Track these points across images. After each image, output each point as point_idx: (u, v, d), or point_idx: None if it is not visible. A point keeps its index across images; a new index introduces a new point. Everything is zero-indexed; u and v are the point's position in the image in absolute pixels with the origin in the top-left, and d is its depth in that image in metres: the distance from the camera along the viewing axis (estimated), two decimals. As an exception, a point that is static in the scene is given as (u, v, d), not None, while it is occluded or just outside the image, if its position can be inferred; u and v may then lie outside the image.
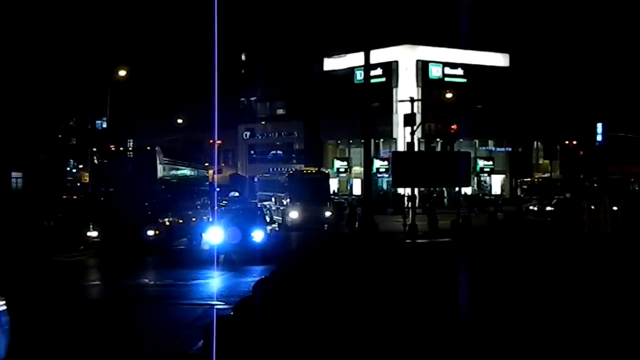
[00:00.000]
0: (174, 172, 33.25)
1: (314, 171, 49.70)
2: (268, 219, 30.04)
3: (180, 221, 31.78)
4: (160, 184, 29.89)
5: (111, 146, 32.82)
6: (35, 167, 49.67)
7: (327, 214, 41.38)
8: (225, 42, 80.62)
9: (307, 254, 15.46)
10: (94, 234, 28.58)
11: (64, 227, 33.57)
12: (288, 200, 43.30)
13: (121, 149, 32.81)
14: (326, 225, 40.19)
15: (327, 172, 51.19)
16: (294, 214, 41.19)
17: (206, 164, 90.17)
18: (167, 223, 30.03)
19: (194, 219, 34.26)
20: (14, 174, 50.24)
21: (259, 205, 38.44)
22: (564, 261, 22.21)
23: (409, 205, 40.80)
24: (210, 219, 34.65)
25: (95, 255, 28.15)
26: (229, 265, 24.68)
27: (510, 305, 14.13)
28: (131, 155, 31.50)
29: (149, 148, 31.07)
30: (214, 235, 27.14)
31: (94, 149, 30.66)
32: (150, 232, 28.52)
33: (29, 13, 47.77)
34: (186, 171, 36.59)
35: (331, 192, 46.00)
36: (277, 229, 30.73)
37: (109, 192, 29.51)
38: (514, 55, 76.70)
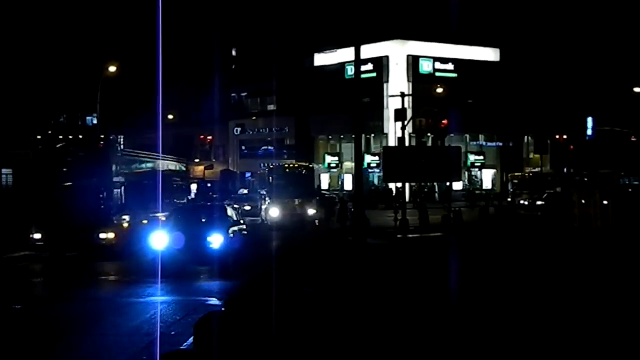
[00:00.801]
0: (138, 165, 29.11)
1: (296, 165, 47.04)
2: (235, 219, 24.75)
3: (145, 222, 27.03)
4: (117, 179, 26.55)
5: (59, 136, 29.17)
6: (25, 164, 49.48)
7: (311, 211, 38.90)
8: (215, 37, 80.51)
9: (280, 269, 13.21)
10: (37, 235, 24.58)
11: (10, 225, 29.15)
12: (268, 197, 41.01)
13: (70, 137, 29.35)
14: (317, 221, 38.49)
15: (311, 166, 47.54)
16: (274, 212, 38.23)
17: (196, 160, 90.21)
18: (126, 225, 26.03)
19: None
20: (3, 171, 50.03)
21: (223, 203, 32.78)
22: (554, 255, 22.27)
23: (399, 200, 40.85)
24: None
25: (35, 260, 24.32)
26: (172, 279, 19.38)
27: (505, 306, 14.15)
28: (82, 146, 27.24)
29: (102, 137, 27.95)
30: (158, 240, 21.54)
31: (38, 137, 27.78)
32: (102, 235, 24.56)
33: (19, 9, 47.57)
34: (156, 165, 32.33)
35: (316, 187, 43.56)
36: (245, 231, 24.70)
37: (57, 188, 25.99)
38: (504, 50, 76.81)
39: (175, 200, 34.60)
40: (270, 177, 42.60)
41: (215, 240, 21.33)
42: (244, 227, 25.13)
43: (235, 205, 30.56)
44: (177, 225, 22.45)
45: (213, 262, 20.87)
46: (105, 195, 25.71)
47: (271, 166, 46.94)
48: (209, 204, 31.93)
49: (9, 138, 47.81)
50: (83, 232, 24.01)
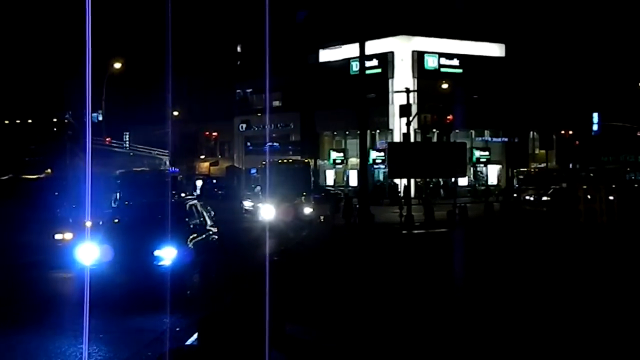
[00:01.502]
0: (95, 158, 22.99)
1: (290, 161, 44.34)
2: (204, 222, 19.63)
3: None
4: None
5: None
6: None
7: (307, 210, 36.23)
8: (220, 33, 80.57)
9: (258, 294, 9.63)
10: None
11: None
12: (260, 195, 38.16)
13: (6, 122, 24.53)
14: (322, 217, 37.14)
15: (307, 161, 43.53)
16: (268, 212, 34.30)
17: (202, 157, 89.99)
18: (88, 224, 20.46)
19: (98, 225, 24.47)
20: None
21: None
22: (559, 250, 22.24)
23: (407, 196, 40.84)
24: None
25: None
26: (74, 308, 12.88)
27: (512, 304, 14.14)
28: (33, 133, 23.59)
29: (55, 121, 23.00)
30: (86, 252, 15.89)
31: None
32: (58, 236, 20.59)
33: (24, 7, 47.65)
34: (121, 158, 27.38)
35: (314, 183, 39.95)
36: (216, 237, 19.65)
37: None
38: (509, 46, 76.66)
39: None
40: (264, 174, 39.87)
41: (167, 253, 15.85)
42: (215, 233, 19.94)
43: (199, 205, 21.31)
44: (113, 233, 17.24)
45: (162, 284, 14.48)
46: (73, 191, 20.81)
47: (263, 163, 43.23)
48: (164, 202, 20.43)
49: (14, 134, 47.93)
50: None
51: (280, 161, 42.52)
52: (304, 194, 37.21)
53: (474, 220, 34.81)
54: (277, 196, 34.92)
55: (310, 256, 20.62)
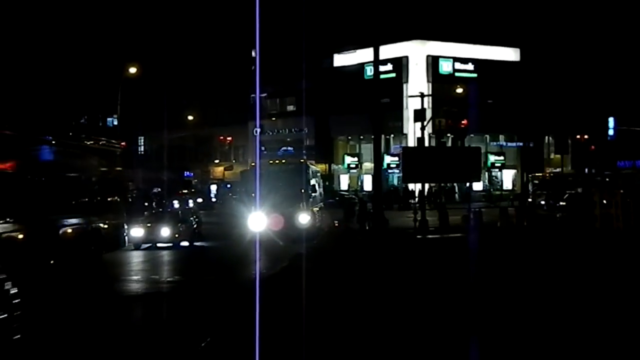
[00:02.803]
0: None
1: (284, 162, 38.35)
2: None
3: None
4: None
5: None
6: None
7: (304, 219, 31.56)
8: (235, 38, 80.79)
9: None
10: None
11: None
12: (249, 201, 33.32)
13: None
14: (336, 222, 34.67)
15: (302, 161, 37.21)
16: (255, 222, 28.55)
17: (216, 161, 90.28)
18: None
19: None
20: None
21: None
22: (575, 256, 22.10)
23: (417, 200, 40.73)
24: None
25: None
26: None
27: (529, 311, 14.05)
28: None
29: None
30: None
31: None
32: None
33: (40, 10, 47.91)
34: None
35: (311, 187, 33.71)
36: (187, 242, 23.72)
37: None
38: (524, 50, 76.47)
39: None
40: (253, 178, 34.94)
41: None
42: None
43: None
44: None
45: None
46: None
47: (252, 164, 38.94)
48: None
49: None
50: None
51: (271, 162, 36.64)
52: (300, 199, 32.15)
53: (489, 226, 34.67)
54: (268, 203, 29.79)
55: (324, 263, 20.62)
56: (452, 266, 19.28)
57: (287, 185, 32.26)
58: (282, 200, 30.60)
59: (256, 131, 29.57)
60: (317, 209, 35.21)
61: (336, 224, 34.98)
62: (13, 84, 44.65)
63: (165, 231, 30.23)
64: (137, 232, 29.59)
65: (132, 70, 45.92)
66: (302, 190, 32.52)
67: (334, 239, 30.02)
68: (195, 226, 33.79)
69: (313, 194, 34.02)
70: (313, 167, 37.99)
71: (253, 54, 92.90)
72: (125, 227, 27.31)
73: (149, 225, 30.72)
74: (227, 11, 77.78)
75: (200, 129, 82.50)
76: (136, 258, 27.57)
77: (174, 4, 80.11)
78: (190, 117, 78.62)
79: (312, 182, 34.32)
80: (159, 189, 61.93)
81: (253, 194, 33.38)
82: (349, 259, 22.07)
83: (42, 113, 49.62)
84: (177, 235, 30.55)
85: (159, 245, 30.27)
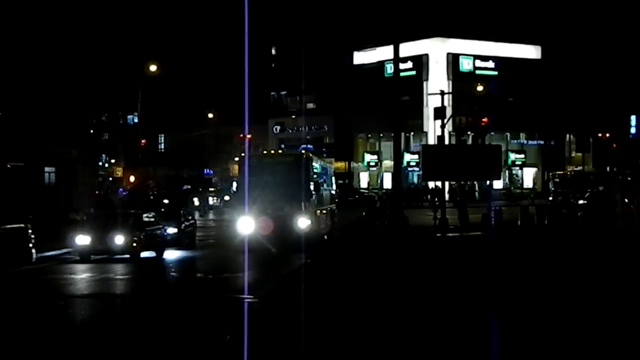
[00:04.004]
0: None
1: (280, 154, 33.71)
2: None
3: None
4: None
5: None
6: (68, 162, 50.18)
7: (304, 223, 26.54)
8: (255, 36, 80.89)
9: None
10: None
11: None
12: (240, 202, 27.72)
13: None
14: (326, 236, 29.91)
15: (302, 154, 30.43)
16: (244, 225, 25.72)
17: (236, 159, 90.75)
18: None
19: None
20: (46, 169, 50.78)
21: None
22: (596, 255, 21.95)
23: (436, 199, 40.55)
24: None
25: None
26: None
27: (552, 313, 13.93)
28: None
29: None
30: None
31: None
32: None
33: (61, 8, 48.21)
34: None
35: (314, 187, 27.98)
36: (154, 253, 22.93)
37: None
38: (546, 47, 76.02)
39: None
40: (244, 173, 28.95)
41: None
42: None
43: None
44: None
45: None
46: None
47: (242, 154, 32.71)
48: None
49: (52, 137, 48.55)
50: None
51: (265, 153, 32.11)
52: (299, 198, 26.81)
53: (509, 224, 34.48)
54: (259, 203, 26.28)
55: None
56: (473, 265, 19.16)
57: (284, 182, 27.52)
58: (276, 200, 26.55)
59: (245, 137, 26.67)
60: (325, 211, 30.08)
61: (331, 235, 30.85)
62: (35, 81, 44.99)
63: (118, 239, 24.00)
64: (82, 239, 24.13)
65: (152, 68, 46.09)
66: (302, 189, 26.77)
67: (344, 245, 26.23)
68: (175, 232, 28.65)
69: (316, 193, 28.14)
70: (319, 161, 32.25)
71: (273, 51, 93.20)
72: (31, 236, 23.05)
73: (98, 231, 24.46)
74: (249, 9, 77.84)
75: (220, 127, 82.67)
76: (54, 275, 21.38)
77: (194, 3, 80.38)
78: (210, 115, 78.76)
79: (316, 178, 28.67)
80: (189, 187, 62.30)
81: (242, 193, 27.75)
82: (360, 271, 17.86)
83: (63, 112, 49.95)
84: (135, 245, 24.17)
85: (115, 256, 24.44)
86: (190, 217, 32.11)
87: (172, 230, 28.28)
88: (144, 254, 24.89)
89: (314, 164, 29.09)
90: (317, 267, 19.62)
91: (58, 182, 50.53)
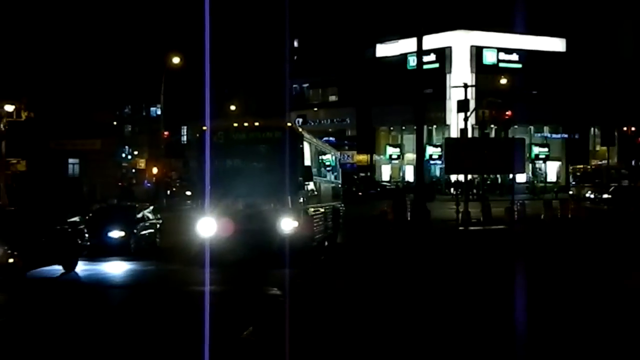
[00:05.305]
0: None
1: (255, 125, 21.15)
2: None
3: None
4: None
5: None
6: (92, 154, 50.52)
7: (288, 225, 19.32)
8: (277, 28, 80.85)
9: None
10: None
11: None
12: (201, 194, 20.33)
13: None
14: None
15: (288, 125, 21.46)
16: (205, 229, 18.95)
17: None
18: None
19: None
20: (70, 160, 51.16)
21: None
22: (623, 250, 21.70)
23: (459, 192, 40.33)
24: None
25: None
26: None
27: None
28: None
29: None
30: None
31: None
32: None
33: (85, 3, 48.45)
34: None
35: (304, 174, 20.15)
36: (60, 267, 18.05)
37: None
38: (570, 40, 75.31)
39: None
40: (200, 152, 21.06)
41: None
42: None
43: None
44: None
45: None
46: None
47: (204, 128, 20.40)
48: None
49: (76, 128, 48.86)
50: None
51: (236, 124, 21.45)
52: (283, 190, 19.32)
53: (532, 218, 34.25)
54: (226, 198, 19.56)
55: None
56: (495, 259, 18.98)
57: (262, 166, 20.86)
58: (250, 193, 19.65)
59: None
60: (323, 209, 22.80)
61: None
62: (59, 74, 45.27)
63: None
64: None
65: (175, 60, 46.25)
66: (288, 176, 19.18)
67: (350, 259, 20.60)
68: (121, 236, 22.61)
69: (309, 183, 20.72)
70: (315, 141, 24.12)
71: (296, 43, 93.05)
72: None
73: None
74: (271, 1, 77.80)
75: (244, 119, 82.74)
76: None
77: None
78: (232, 107, 78.85)
79: (310, 163, 21.08)
80: None
81: (201, 181, 20.01)
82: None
83: (87, 104, 50.21)
84: (11, 260, 16.61)
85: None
86: (150, 217, 25.21)
87: (116, 234, 22.54)
88: (48, 269, 18.34)
89: (305, 143, 20.97)
90: (307, 304, 12.80)
91: (82, 173, 50.91)
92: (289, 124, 21.60)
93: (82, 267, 19.63)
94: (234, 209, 19.58)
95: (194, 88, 76.14)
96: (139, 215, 24.59)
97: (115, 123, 65.75)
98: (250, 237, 19.21)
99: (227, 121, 26.64)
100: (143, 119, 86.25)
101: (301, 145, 20.32)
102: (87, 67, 49.13)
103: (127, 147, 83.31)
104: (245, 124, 21.28)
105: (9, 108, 37.45)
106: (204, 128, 20.31)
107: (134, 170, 79.33)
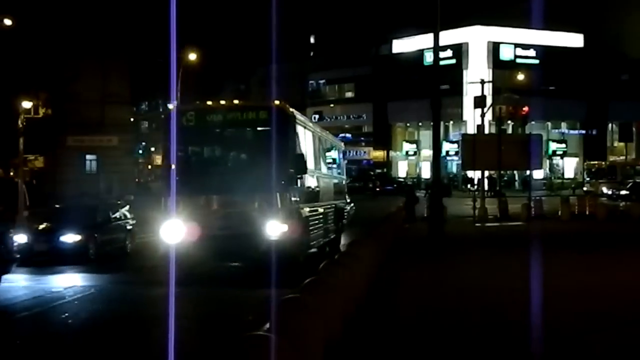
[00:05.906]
0: None
1: (235, 105, 17.68)
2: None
3: None
4: None
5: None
6: (109, 150, 50.72)
7: (275, 229, 15.30)
8: (294, 24, 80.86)
9: None
10: None
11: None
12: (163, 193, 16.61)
13: None
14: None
15: (275, 106, 15.87)
16: (171, 236, 14.83)
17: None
18: None
19: None
20: (88, 157, 51.37)
21: None
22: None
23: (477, 188, 40.17)
24: None
25: None
26: None
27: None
28: None
29: None
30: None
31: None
32: None
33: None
34: None
35: (297, 166, 15.86)
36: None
37: None
38: (588, 35, 74.83)
39: None
40: (173, 138, 16.21)
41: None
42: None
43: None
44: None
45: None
46: None
47: (170, 107, 16.33)
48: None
49: (93, 125, 49.08)
50: None
51: (209, 105, 17.36)
52: (267, 186, 15.39)
53: (550, 215, 34.06)
54: (198, 195, 15.76)
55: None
56: (513, 256, 18.86)
57: (243, 157, 17.53)
58: (229, 190, 15.70)
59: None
60: (323, 209, 19.22)
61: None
62: (75, 71, 45.46)
63: None
64: None
65: (192, 57, 46.35)
66: (275, 169, 15.22)
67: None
68: (77, 240, 19.60)
69: (303, 178, 16.59)
70: (312, 126, 20.21)
71: (312, 39, 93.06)
72: None
73: None
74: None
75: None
76: None
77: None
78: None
79: (303, 153, 16.91)
80: None
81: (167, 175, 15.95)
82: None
83: (103, 101, 50.39)
84: None
85: None
86: (124, 218, 22.39)
87: (71, 238, 19.53)
88: None
89: (299, 126, 17.03)
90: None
91: (99, 169, 51.13)
92: (276, 102, 16.18)
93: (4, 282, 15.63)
94: (207, 209, 15.68)
95: (209, 84, 76.26)
96: (104, 217, 21.50)
97: (132, 119, 65.98)
98: (227, 244, 15.17)
99: (199, 101, 22.46)
100: (159, 115, 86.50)
101: (293, 129, 16.25)
102: (103, 63, 49.34)
103: (143, 143, 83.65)
104: (222, 102, 17.58)
105: (27, 105, 37.61)
106: (170, 107, 16.23)
107: (150, 167, 79.66)
